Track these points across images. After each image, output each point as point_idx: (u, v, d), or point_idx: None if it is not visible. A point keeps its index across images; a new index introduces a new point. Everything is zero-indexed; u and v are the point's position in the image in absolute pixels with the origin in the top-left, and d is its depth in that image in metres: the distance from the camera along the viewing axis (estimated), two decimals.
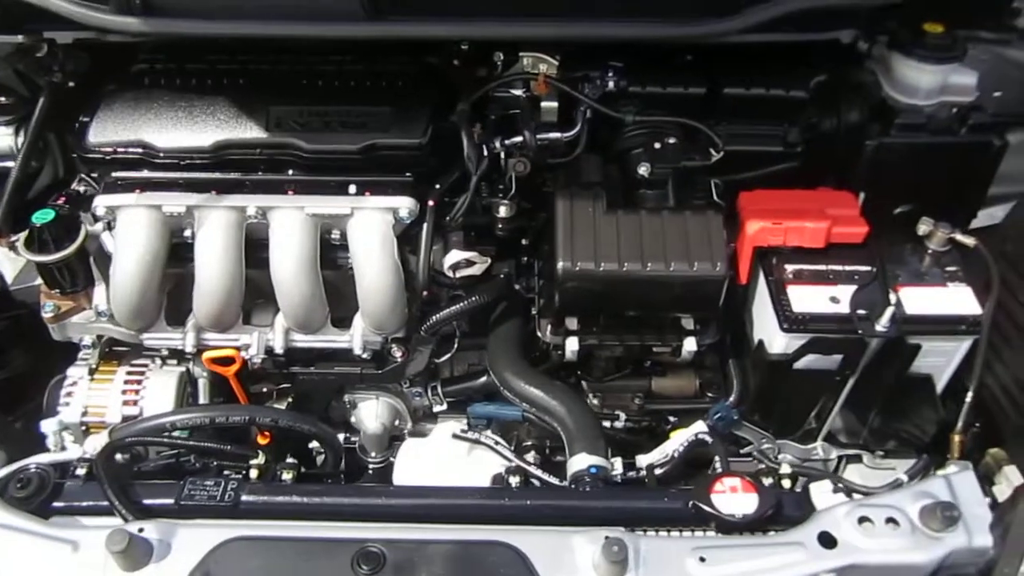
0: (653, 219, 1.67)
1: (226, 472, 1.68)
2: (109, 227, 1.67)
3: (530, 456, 1.92)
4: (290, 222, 1.64)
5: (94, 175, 1.74)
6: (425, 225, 1.67)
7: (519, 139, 1.71)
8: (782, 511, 1.47)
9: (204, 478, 1.53)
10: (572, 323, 1.78)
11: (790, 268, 1.71)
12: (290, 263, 1.64)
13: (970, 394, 1.61)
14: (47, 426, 1.70)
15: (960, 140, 1.78)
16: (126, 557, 1.24)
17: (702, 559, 1.31)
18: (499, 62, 1.80)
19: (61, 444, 1.72)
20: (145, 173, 1.66)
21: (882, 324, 1.60)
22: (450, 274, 1.75)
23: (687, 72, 1.79)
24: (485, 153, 1.69)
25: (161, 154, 1.65)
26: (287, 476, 1.60)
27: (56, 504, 1.50)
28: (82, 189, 1.75)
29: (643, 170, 1.71)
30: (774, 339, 1.68)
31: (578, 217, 1.67)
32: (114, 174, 1.67)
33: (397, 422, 1.96)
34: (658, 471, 1.68)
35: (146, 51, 1.78)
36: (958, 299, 1.68)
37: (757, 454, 1.78)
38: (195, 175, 1.65)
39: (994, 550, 1.37)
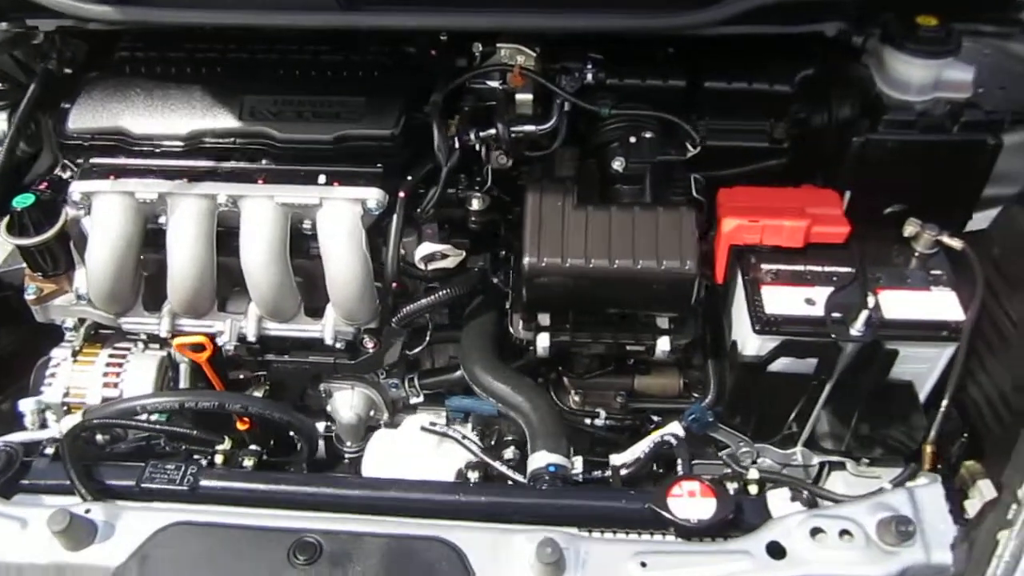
0: (623, 214, 1.64)
1: (196, 456, 1.70)
2: (86, 213, 1.70)
3: (509, 452, 1.91)
4: (260, 211, 1.64)
5: (80, 161, 1.77)
6: (395, 217, 1.66)
7: (493, 131, 1.69)
8: (743, 518, 1.44)
9: (166, 462, 1.54)
10: (544, 319, 1.75)
11: (766, 268, 1.67)
12: (259, 252, 1.65)
13: (944, 403, 1.55)
14: (25, 405, 1.75)
15: (952, 138, 1.70)
16: (68, 537, 1.26)
17: (643, 564, 1.28)
18: (477, 53, 1.78)
19: (39, 423, 1.76)
20: (120, 160, 1.67)
21: (857, 328, 1.55)
22: (422, 266, 1.74)
23: (667, 65, 1.75)
24: (457, 145, 1.67)
25: (137, 141, 1.67)
26: (248, 463, 1.61)
27: (23, 482, 1.53)
28: (65, 175, 1.78)
29: (617, 164, 1.68)
30: (747, 340, 1.64)
31: (547, 212, 1.64)
32: (91, 160, 1.69)
33: (373, 412, 1.96)
34: (624, 472, 1.66)
35: (128, 40, 1.80)
36: (941, 304, 1.61)
37: (726, 458, 1.74)
38: (168, 162, 1.67)
39: (956, 567, 1.31)
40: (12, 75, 1.98)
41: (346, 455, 1.97)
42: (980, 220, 1.85)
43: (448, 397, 1.96)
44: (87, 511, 1.33)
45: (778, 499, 1.43)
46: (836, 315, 1.58)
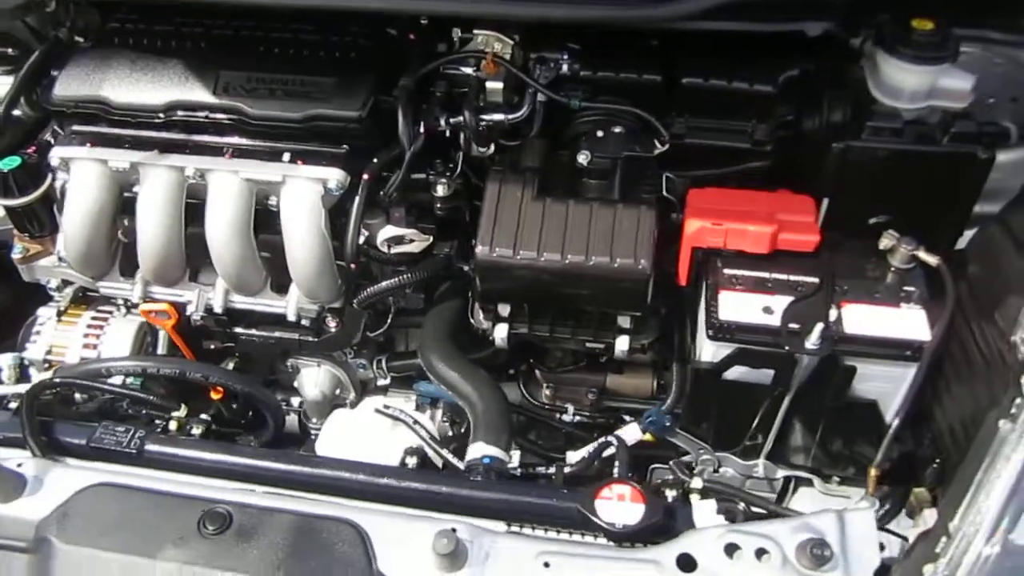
0: (582, 209, 1.61)
1: (157, 421, 1.75)
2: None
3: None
4: (225, 185, 1.67)
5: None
6: (357, 198, 1.66)
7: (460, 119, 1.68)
8: (674, 526, 1.41)
9: (116, 424, 1.58)
10: (504, 310, 1.74)
11: (729, 272, 1.62)
12: (223, 225, 1.68)
13: (894, 425, 1.48)
14: (2, 360, 1.82)
15: (940, 150, 1.62)
16: None
17: (546, 564, 1.26)
18: (456, 39, 1.77)
19: (15, 378, 1.83)
20: (98, 128, 1.72)
21: (812, 341, 1.49)
22: (385, 249, 1.74)
23: (644, 59, 1.71)
24: (423, 130, 1.67)
25: (116, 110, 1.71)
26: (196, 431, 1.64)
27: None
28: (53, 140, 1.84)
29: (582, 158, 1.65)
30: (703, 346, 1.60)
31: (505, 202, 1.62)
32: (72, 127, 1.74)
33: (339, 391, 1.98)
34: (568, 470, 1.64)
35: (122, 11, 1.85)
36: (908, 322, 1.54)
37: (673, 464, 1.70)
38: (144, 133, 1.71)
39: None
40: (26, 42, 2.06)
41: (312, 431, 1.99)
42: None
43: (417, 382, 1.97)
44: (19, 465, 1.38)
45: (705, 510, 1.39)
46: (793, 326, 1.53)
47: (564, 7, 1.48)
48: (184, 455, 1.53)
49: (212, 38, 1.78)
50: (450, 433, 1.96)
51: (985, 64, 1.74)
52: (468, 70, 1.73)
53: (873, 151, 1.63)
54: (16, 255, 1.87)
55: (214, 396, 1.86)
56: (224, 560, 1.25)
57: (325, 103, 1.66)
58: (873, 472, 1.49)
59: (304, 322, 1.83)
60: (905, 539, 1.49)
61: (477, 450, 1.56)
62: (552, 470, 1.63)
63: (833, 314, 1.55)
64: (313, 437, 2.00)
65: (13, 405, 1.67)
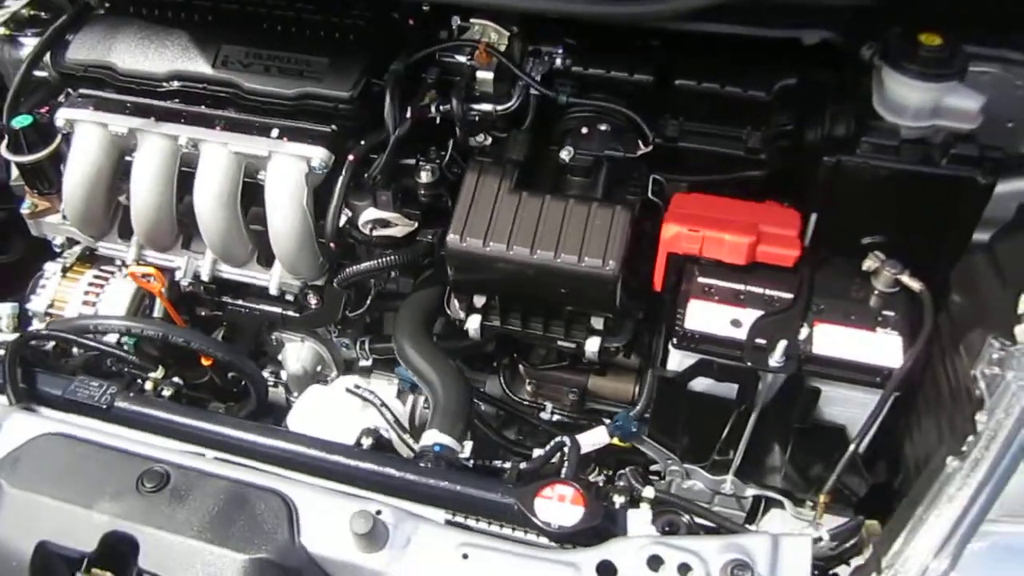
0: (557, 205, 1.59)
1: (139, 380, 1.80)
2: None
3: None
4: (214, 156, 1.71)
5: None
6: (340, 179, 1.68)
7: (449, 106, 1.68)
8: (614, 532, 1.38)
9: (92, 379, 1.63)
10: (479, 301, 1.73)
11: (703, 281, 1.58)
12: (209, 196, 1.72)
13: (850, 450, 1.42)
14: (1, 309, 1.89)
15: (937, 172, 1.54)
16: None
17: (465, 556, 1.26)
18: (455, 27, 1.76)
19: (12, 327, 1.91)
20: (102, 93, 1.78)
21: (775, 359, 1.45)
22: (367, 231, 1.76)
23: (637, 58, 1.68)
24: (409, 115, 1.67)
25: (121, 76, 1.77)
26: (166, 392, 1.69)
27: None
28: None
29: (565, 154, 1.64)
30: (670, 354, 1.57)
31: (482, 192, 1.62)
32: (80, 90, 1.80)
33: (320, 368, 2.00)
34: (524, 466, 1.62)
35: None
36: (882, 348, 1.48)
37: (629, 471, 1.67)
38: (143, 100, 1.76)
39: None
40: (60, 6, 2.13)
41: (292, 404, 2.02)
42: None
43: (399, 365, 1.98)
44: None
45: (640, 519, 1.36)
46: (760, 341, 1.49)
47: (572, 3, 1.46)
48: (148, 414, 1.56)
49: (219, 12, 1.82)
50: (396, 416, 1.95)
51: (1005, 86, 1.65)
52: (462, 59, 1.73)
53: (866, 168, 1.56)
54: (25, 210, 1.95)
55: (205, 363, 1.91)
56: (154, 518, 1.28)
57: (317, 82, 1.69)
58: (822, 499, 1.44)
59: (288, 297, 1.86)
60: None
61: (430, 437, 1.56)
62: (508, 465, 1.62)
63: (804, 332, 1.50)
64: None
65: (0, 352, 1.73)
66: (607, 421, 1.87)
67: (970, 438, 1.19)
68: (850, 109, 1.64)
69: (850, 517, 1.55)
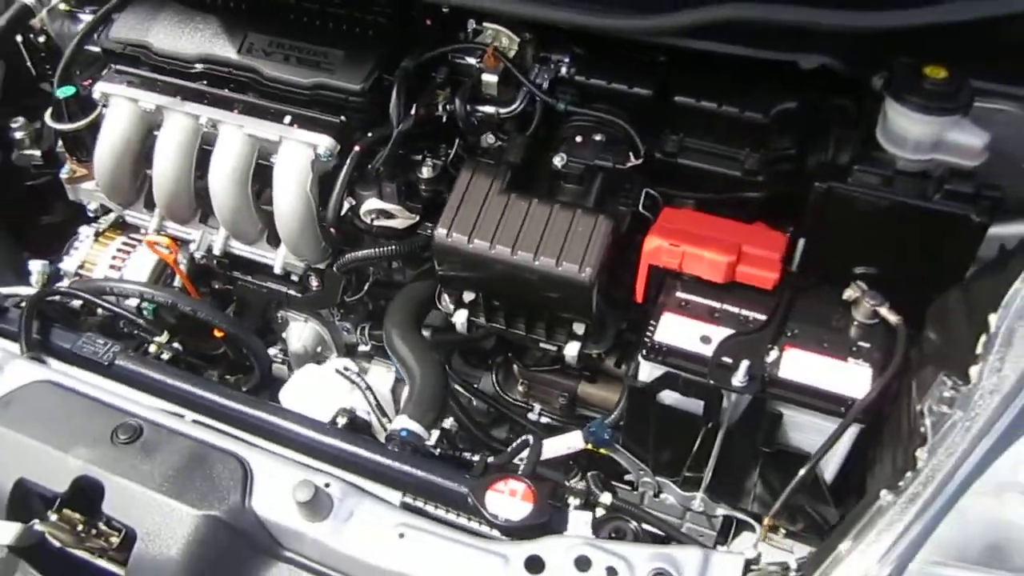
0: (542, 208, 1.62)
1: (147, 343, 1.91)
2: None
3: (448, 422, 1.97)
4: (230, 137, 1.80)
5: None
6: (345, 168, 1.75)
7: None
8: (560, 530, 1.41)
9: (99, 337, 1.74)
10: (468, 296, 1.78)
11: (681, 296, 1.59)
12: (223, 173, 1.81)
13: (800, 474, 1.41)
14: (33, 266, 2.03)
15: (929, 206, 1.52)
16: None
17: (401, 535, 1.31)
18: (471, 30, 1.82)
19: (42, 282, 2.04)
20: (138, 70, 1.89)
21: (738, 378, 1.45)
22: (367, 220, 1.82)
23: (639, 71, 1.70)
24: (413, 111, 1.73)
25: (155, 56, 1.88)
26: (165, 356, 1.78)
27: None
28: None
29: (558, 160, 1.67)
30: (641, 365, 1.58)
31: (474, 190, 1.66)
32: (118, 66, 1.92)
33: (320, 349, 2.08)
34: (491, 460, 1.66)
35: None
36: (849, 377, 1.47)
37: (591, 476, 1.68)
38: (172, 79, 1.87)
39: None
40: None
41: None
42: None
43: None
44: None
45: (579, 520, 1.38)
46: (726, 359, 1.49)
47: (545, 8, 1.50)
48: (143, 374, 1.66)
49: (251, 0, 1.91)
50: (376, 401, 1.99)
51: (1021, 125, 1.62)
52: (472, 61, 1.78)
53: (857, 196, 1.55)
54: (64, 175, 2.08)
55: (217, 335, 2.01)
56: (120, 467, 1.37)
57: (331, 74, 1.76)
58: (767, 521, 1.43)
59: (294, 278, 1.94)
60: None
61: (399, 422, 1.62)
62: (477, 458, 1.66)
63: (773, 355, 1.50)
64: None
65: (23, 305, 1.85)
66: None
67: (908, 474, 1.18)
68: (856, 137, 1.64)
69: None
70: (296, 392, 1.89)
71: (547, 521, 1.40)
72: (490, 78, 1.73)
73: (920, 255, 1.57)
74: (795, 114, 1.65)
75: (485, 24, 1.78)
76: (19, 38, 2.14)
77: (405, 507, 1.43)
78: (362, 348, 2.07)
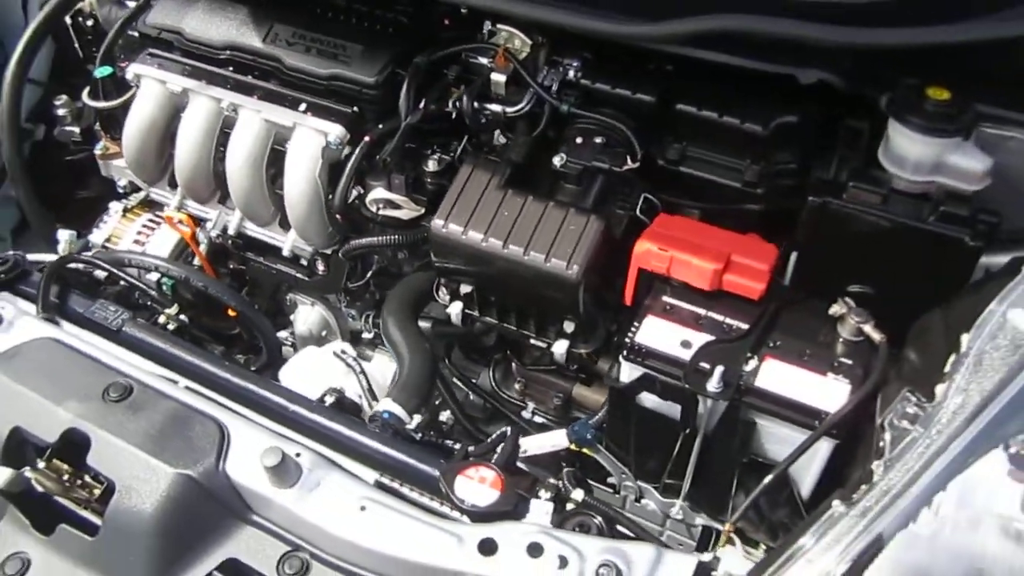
0: (536, 205, 1.65)
1: (158, 314, 1.98)
2: None
3: (444, 415, 2.01)
4: (248, 122, 1.88)
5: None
6: (354, 157, 1.81)
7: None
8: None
9: (111, 304, 1.82)
10: (466, 287, 1.81)
11: (667, 300, 1.60)
12: (239, 156, 1.89)
13: (764, 483, 1.41)
14: (61, 235, 2.13)
15: (921, 227, 1.51)
16: None
17: (363, 508, 1.34)
18: (486, 31, 1.87)
19: (68, 251, 2.14)
20: (169, 54, 1.99)
21: (712, 384, 1.46)
22: (373, 209, 1.88)
23: (644, 78, 1.72)
24: (422, 106, 1.78)
25: (186, 41, 1.97)
26: (170, 326, 1.86)
27: (21, 287, 1.89)
28: None
29: (557, 160, 1.70)
30: (622, 366, 1.60)
31: (473, 183, 1.70)
32: (151, 49, 2.02)
33: (325, 333, 2.14)
34: (471, 450, 1.69)
35: None
36: (826, 392, 1.46)
37: (567, 473, 1.69)
38: (200, 64, 1.95)
39: None
40: None
41: None
42: None
43: None
44: (1, 307, 1.65)
45: (540, 509, 1.40)
46: (703, 365, 1.50)
47: (549, 11, 1.53)
48: (147, 341, 1.73)
49: None
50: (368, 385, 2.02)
51: None
52: (485, 60, 1.83)
53: (850, 213, 1.55)
54: (97, 151, 2.19)
55: (231, 314, 2.08)
56: (106, 423, 1.43)
57: (347, 65, 1.83)
58: (727, 527, 1.42)
59: (303, 261, 2.01)
60: None
61: (383, 404, 1.65)
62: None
63: (752, 365, 1.50)
64: None
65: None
66: None
67: (863, 487, 1.17)
68: (860, 155, 1.64)
69: None
70: (294, 371, 1.95)
71: (512, 510, 1.43)
72: (499, 77, 1.77)
73: (912, 276, 1.56)
74: (796, 128, 1.65)
75: (500, 26, 1.82)
76: (68, 20, 2.26)
77: (379, 486, 1.46)
78: (366, 336, 2.12)
